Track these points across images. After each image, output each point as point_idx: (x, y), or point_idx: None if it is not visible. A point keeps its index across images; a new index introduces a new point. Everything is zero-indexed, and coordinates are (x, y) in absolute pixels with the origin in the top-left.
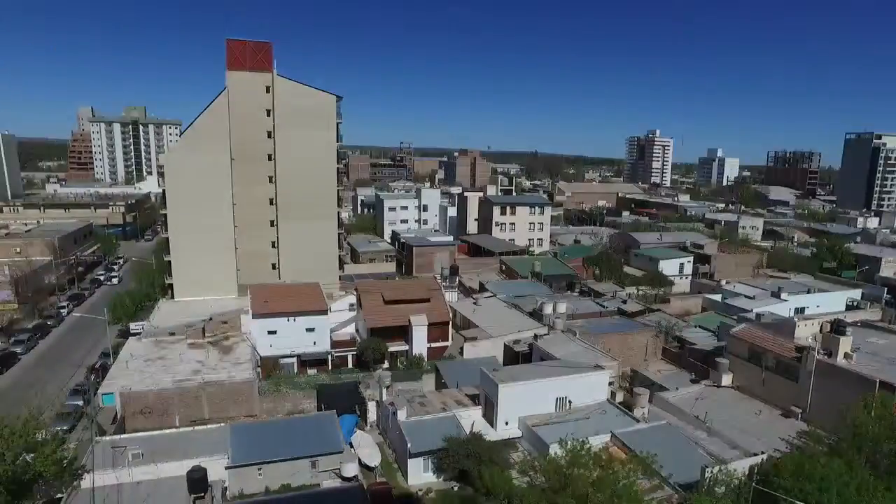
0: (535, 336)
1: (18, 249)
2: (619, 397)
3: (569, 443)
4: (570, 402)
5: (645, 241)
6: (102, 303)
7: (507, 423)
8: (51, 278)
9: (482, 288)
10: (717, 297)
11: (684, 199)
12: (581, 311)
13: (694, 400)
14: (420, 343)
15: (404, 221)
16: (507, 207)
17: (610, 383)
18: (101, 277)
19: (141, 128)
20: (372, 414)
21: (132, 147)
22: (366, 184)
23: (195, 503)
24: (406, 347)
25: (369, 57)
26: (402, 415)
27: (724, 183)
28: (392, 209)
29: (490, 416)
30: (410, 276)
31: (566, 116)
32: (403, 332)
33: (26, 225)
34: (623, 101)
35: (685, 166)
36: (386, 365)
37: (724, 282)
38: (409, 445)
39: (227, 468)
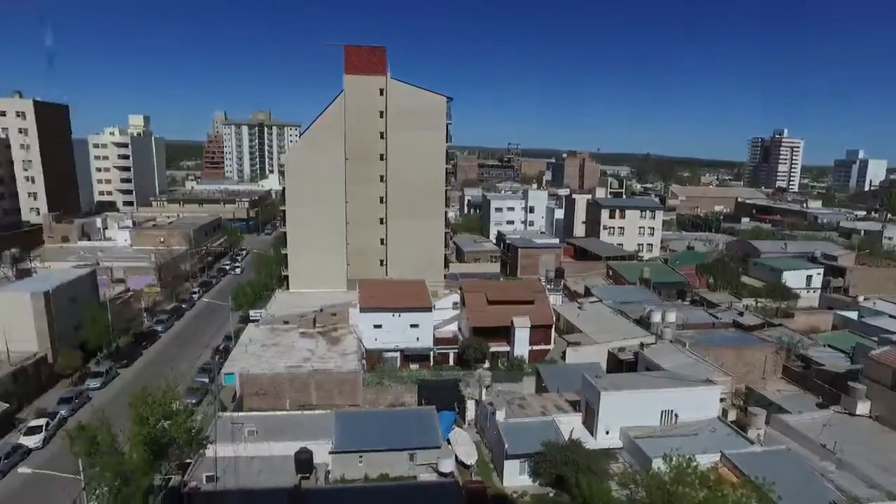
0: (642, 345)
1: (162, 239)
2: (732, 416)
3: (674, 459)
4: (676, 416)
5: (766, 249)
6: (227, 290)
7: (607, 433)
8: (186, 266)
9: (587, 292)
10: (853, 315)
11: (815, 205)
12: (692, 321)
13: (821, 426)
14: (522, 345)
15: (510, 222)
16: (617, 210)
17: (721, 399)
18: (227, 267)
19: (265, 130)
20: (470, 412)
21: (257, 147)
22: (473, 184)
23: (301, 482)
24: (507, 348)
25: (480, 57)
26: (500, 415)
27: (867, 187)
28: (498, 210)
29: (590, 423)
30: (515, 277)
31: (681, 116)
32: (506, 333)
33: (168, 218)
34: (745, 99)
35: (817, 169)
36: (487, 365)
37: (861, 298)
38: (506, 447)
39: (330, 453)
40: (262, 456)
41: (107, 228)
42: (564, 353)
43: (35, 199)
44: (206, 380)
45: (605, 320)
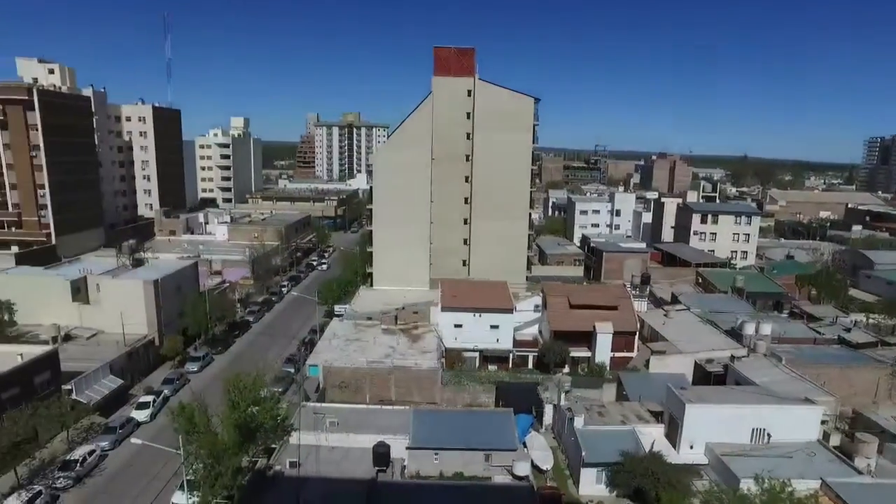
0: (732, 357)
1: (256, 235)
2: (835, 440)
3: (766, 481)
4: (768, 435)
5: (882, 260)
6: (314, 286)
7: (691, 447)
8: (277, 261)
9: (675, 300)
10: None
11: None
12: (790, 334)
13: None
14: (603, 351)
15: (595, 225)
16: (709, 215)
17: (823, 422)
18: (314, 263)
19: (354, 131)
20: (548, 417)
21: (347, 148)
22: (558, 186)
23: (378, 475)
24: (588, 354)
25: (569, 58)
26: (579, 422)
27: None
28: (583, 212)
29: (673, 436)
30: (599, 281)
31: (784, 116)
32: (587, 339)
33: (262, 215)
34: (863, 96)
35: None
36: (566, 369)
37: None
38: (583, 454)
39: (407, 448)
40: (341, 446)
41: (208, 223)
42: (648, 361)
43: (149, 195)
44: (292, 370)
45: (692, 329)
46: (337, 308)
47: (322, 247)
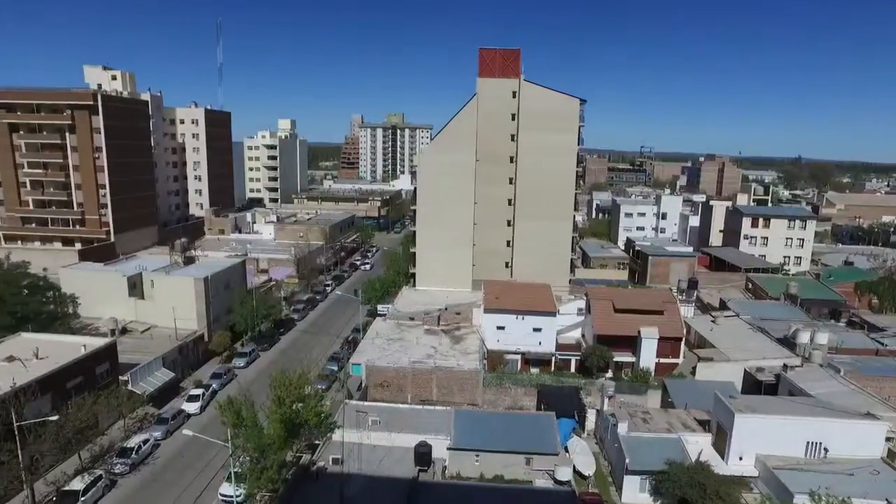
0: (785, 366)
1: (301, 234)
2: None
3: (823, 498)
4: (825, 449)
5: None
6: (357, 285)
7: (740, 459)
8: (321, 260)
9: (723, 305)
10: None
11: None
12: (848, 344)
13: None
14: (648, 356)
15: (640, 228)
16: (760, 219)
17: (888, 439)
18: (358, 262)
19: (398, 132)
20: (590, 422)
21: (390, 149)
22: (601, 188)
23: (419, 474)
24: (632, 359)
25: (614, 58)
26: (622, 428)
27: None
28: (628, 215)
29: (721, 446)
30: (644, 285)
31: (840, 114)
32: (631, 343)
33: (307, 214)
34: None
35: None
36: (609, 374)
37: None
38: (627, 461)
39: (448, 449)
40: (383, 445)
41: (255, 223)
42: (695, 368)
43: (200, 195)
44: (335, 368)
45: (741, 337)
46: (380, 307)
47: (366, 246)
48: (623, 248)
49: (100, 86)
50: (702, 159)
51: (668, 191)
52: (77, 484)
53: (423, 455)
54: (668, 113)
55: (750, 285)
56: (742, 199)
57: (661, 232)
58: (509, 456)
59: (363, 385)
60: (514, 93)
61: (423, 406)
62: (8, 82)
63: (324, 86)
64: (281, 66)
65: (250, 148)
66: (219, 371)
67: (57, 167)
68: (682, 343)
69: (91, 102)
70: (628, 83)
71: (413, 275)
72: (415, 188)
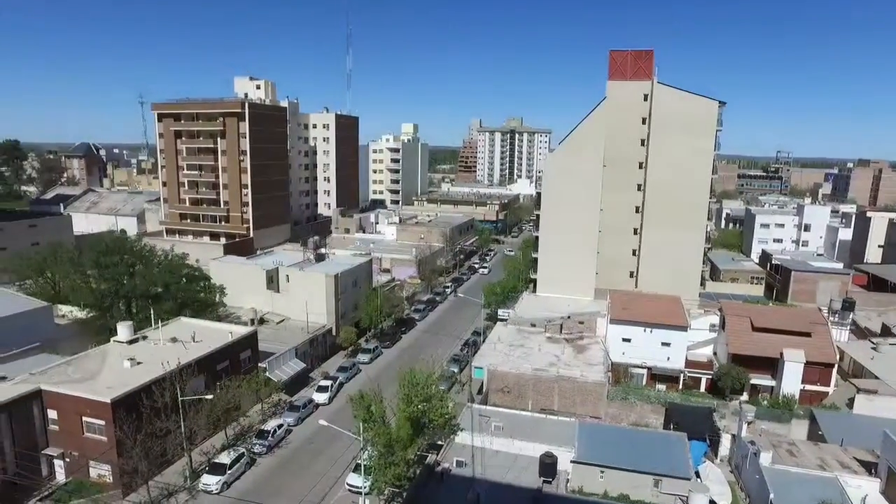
0: None
1: (422, 236)
2: None
3: None
4: None
5: None
6: (475, 288)
7: None
8: (441, 261)
9: (886, 331)
10: None
11: None
12: None
13: None
14: (792, 382)
15: (778, 241)
16: None
17: None
18: (476, 265)
19: (516, 136)
20: (724, 447)
21: (508, 153)
22: (730, 196)
23: (544, 485)
24: (772, 383)
25: (746, 58)
26: (765, 458)
27: None
28: (764, 226)
29: (894, 495)
30: (784, 303)
31: None
32: (771, 366)
33: (428, 216)
34: None
35: None
36: (745, 397)
37: None
38: (771, 496)
39: (572, 462)
40: (506, 451)
41: (378, 223)
42: (852, 400)
43: (328, 195)
44: (456, 370)
45: None
46: (501, 312)
47: (484, 250)
48: (757, 261)
49: (246, 95)
50: (850, 165)
51: (808, 200)
52: (224, 458)
53: (548, 466)
54: (809, 115)
55: None
56: None
57: (802, 245)
58: (636, 475)
59: (484, 389)
60: (645, 95)
61: (546, 415)
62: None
63: (445, 91)
64: (405, 71)
65: (375, 151)
66: (345, 365)
67: (209, 169)
68: (834, 370)
69: (240, 110)
70: (762, 84)
71: (534, 280)
72: (537, 193)
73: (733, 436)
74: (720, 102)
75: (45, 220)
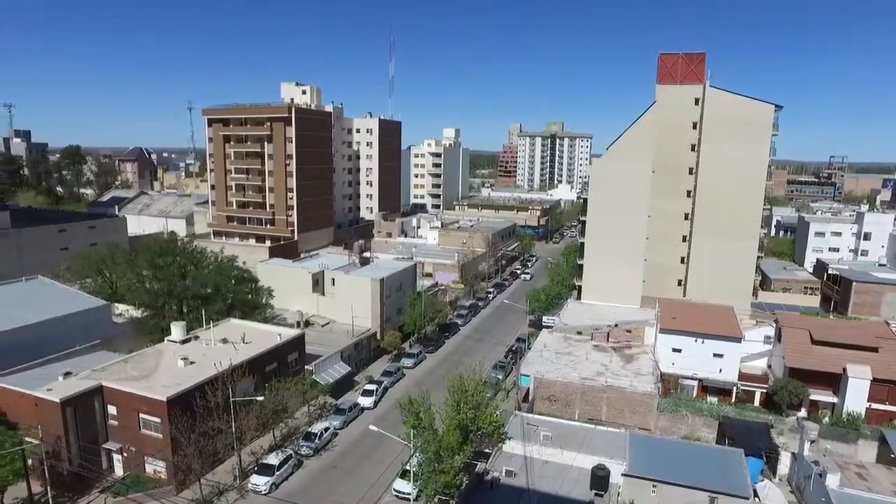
0: None
1: (465, 241)
2: None
3: None
4: None
5: None
6: (517, 294)
7: None
8: (483, 266)
9: None
10: None
11: None
12: None
13: None
14: (857, 399)
15: (834, 250)
16: None
17: None
18: (518, 271)
19: (557, 141)
20: (784, 466)
21: (548, 158)
22: (779, 202)
23: (595, 499)
24: (833, 399)
25: (797, 59)
26: (832, 481)
27: None
28: (819, 234)
29: None
30: (843, 315)
31: None
32: (832, 381)
33: (470, 221)
34: None
35: None
36: (803, 413)
37: None
38: None
39: (623, 475)
40: (555, 462)
41: (419, 227)
42: None
43: (370, 199)
44: (500, 377)
45: None
46: (545, 319)
47: (525, 255)
48: (811, 270)
49: (292, 100)
50: None
51: (864, 207)
52: (273, 459)
53: (601, 479)
54: (864, 118)
55: None
56: None
57: (861, 254)
58: (691, 492)
59: (530, 397)
60: (696, 100)
61: (595, 426)
62: (217, 101)
63: (483, 95)
64: (444, 76)
65: (416, 155)
66: (390, 369)
67: (255, 172)
68: None
69: (287, 115)
70: (813, 86)
71: (578, 287)
72: (583, 198)
73: (793, 454)
74: (776, 106)
75: (103, 221)
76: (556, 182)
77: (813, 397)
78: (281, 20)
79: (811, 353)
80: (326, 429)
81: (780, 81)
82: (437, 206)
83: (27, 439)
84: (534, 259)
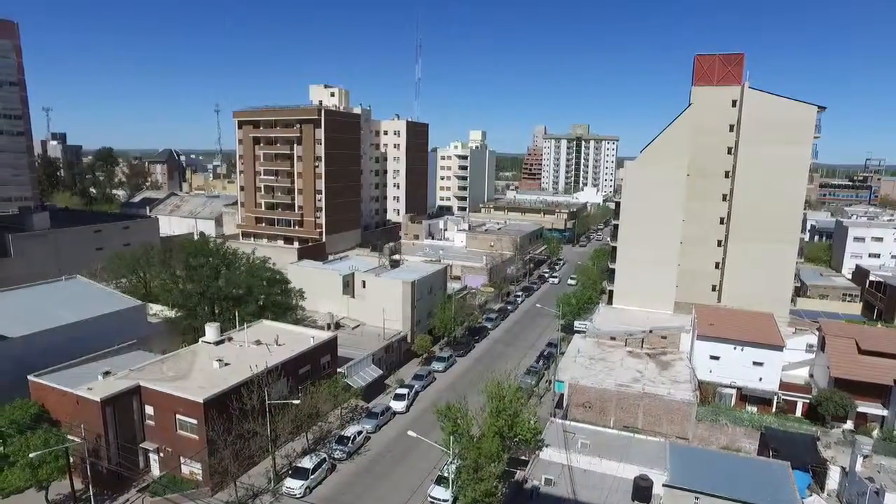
0: None
1: (492, 244)
2: None
3: None
4: None
5: None
6: (546, 297)
7: None
8: (512, 270)
9: None
10: None
11: None
12: None
13: None
14: None
15: (874, 255)
16: None
17: None
18: (546, 275)
19: (583, 143)
20: (832, 481)
21: (574, 161)
22: (811, 206)
23: None
24: (883, 412)
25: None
26: (891, 500)
27: None
28: (858, 239)
29: None
30: (890, 324)
31: None
32: (882, 393)
33: (496, 224)
34: None
35: None
36: (849, 425)
37: None
38: None
39: (664, 486)
40: (592, 471)
41: (446, 230)
42: None
43: (397, 201)
44: (532, 382)
45: None
46: (577, 324)
47: (553, 259)
48: (850, 277)
49: (321, 102)
50: None
51: None
52: (307, 462)
53: (643, 489)
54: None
55: None
56: None
57: None
58: None
59: (565, 403)
60: (733, 101)
61: (633, 434)
62: (245, 104)
63: (508, 97)
64: (469, 78)
65: (443, 158)
66: (420, 373)
67: (284, 174)
68: None
69: (316, 116)
70: (849, 86)
71: (610, 291)
72: (616, 202)
73: (843, 469)
74: (819, 107)
75: (137, 222)
76: (581, 185)
77: (860, 409)
78: (309, 24)
79: (859, 364)
80: (359, 432)
81: (809, 81)
82: (463, 209)
83: (69, 437)
84: (561, 263)
